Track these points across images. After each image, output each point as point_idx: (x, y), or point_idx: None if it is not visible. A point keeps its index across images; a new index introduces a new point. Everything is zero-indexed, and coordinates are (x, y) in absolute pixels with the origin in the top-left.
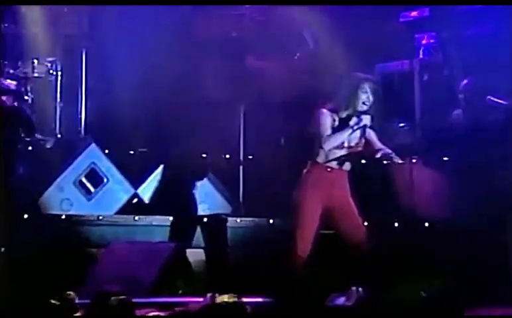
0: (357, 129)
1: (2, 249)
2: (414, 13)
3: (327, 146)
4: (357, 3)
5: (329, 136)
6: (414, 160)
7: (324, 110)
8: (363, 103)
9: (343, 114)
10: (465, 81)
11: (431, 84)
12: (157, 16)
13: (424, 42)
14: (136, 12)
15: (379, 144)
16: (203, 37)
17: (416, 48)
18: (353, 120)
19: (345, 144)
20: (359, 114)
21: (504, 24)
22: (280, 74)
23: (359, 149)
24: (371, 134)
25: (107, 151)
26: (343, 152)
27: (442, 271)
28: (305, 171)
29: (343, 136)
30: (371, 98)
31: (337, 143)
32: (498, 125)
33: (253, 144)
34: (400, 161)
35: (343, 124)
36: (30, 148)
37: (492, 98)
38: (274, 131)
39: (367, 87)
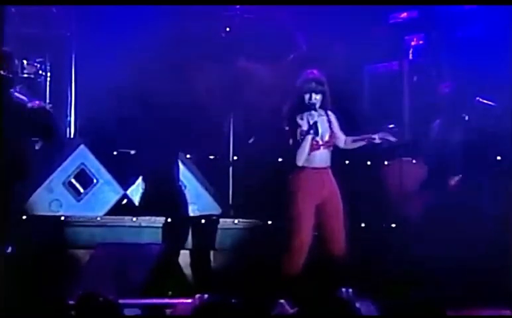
0: (310, 129)
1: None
2: (403, 14)
3: (299, 161)
4: (346, 4)
5: (296, 150)
6: (402, 161)
7: (288, 120)
8: (309, 103)
9: (299, 118)
10: (450, 84)
11: (420, 85)
12: (147, 18)
13: (413, 43)
14: (126, 13)
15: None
16: (193, 38)
17: (406, 49)
18: (305, 123)
19: (320, 142)
20: (307, 114)
21: (493, 25)
22: (271, 75)
23: (334, 142)
24: (334, 126)
25: (96, 152)
26: (321, 151)
27: (429, 273)
28: (292, 176)
29: (307, 143)
30: (315, 97)
31: (305, 153)
32: (486, 126)
33: (243, 146)
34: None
35: (300, 131)
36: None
37: (480, 99)
38: (264, 132)
39: (310, 86)
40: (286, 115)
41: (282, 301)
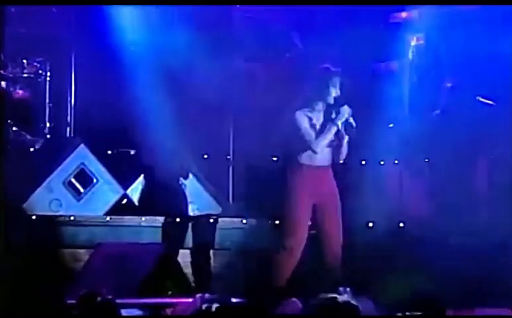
0: (338, 122)
1: None
2: (403, 14)
3: (319, 147)
4: (346, 4)
5: (316, 138)
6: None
7: (298, 112)
8: (334, 97)
9: (316, 110)
10: (451, 83)
11: (420, 85)
12: (147, 17)
13: (413, 43)
14: (126, 13)
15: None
16: (193, 38)
17: (405, 48)
18: (334, 115)
19: None
20: (337, 108)
21: (494, 25)
22: (270, 75)
23: (338, 141)
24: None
25: (96, 152)
26: (325, 148)
27: (427, 272)
28: (293, 173)
29: (331, 133)
30: (338, 92)
31: (326, 141)
32: (485, 125)
33: (243, 145)
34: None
35: (324, 122)
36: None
37: (481, 98)
38: (264, 131)
39: (335, 81)
40: (306, 104)
41: (294, 299)
